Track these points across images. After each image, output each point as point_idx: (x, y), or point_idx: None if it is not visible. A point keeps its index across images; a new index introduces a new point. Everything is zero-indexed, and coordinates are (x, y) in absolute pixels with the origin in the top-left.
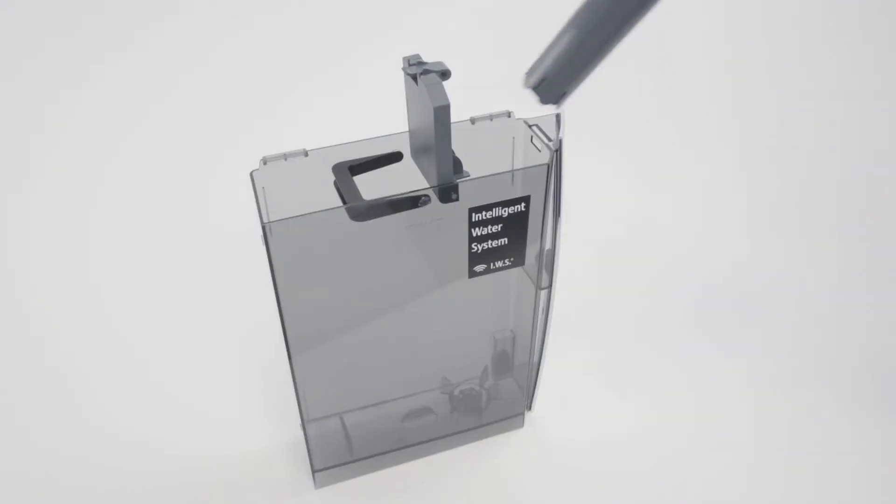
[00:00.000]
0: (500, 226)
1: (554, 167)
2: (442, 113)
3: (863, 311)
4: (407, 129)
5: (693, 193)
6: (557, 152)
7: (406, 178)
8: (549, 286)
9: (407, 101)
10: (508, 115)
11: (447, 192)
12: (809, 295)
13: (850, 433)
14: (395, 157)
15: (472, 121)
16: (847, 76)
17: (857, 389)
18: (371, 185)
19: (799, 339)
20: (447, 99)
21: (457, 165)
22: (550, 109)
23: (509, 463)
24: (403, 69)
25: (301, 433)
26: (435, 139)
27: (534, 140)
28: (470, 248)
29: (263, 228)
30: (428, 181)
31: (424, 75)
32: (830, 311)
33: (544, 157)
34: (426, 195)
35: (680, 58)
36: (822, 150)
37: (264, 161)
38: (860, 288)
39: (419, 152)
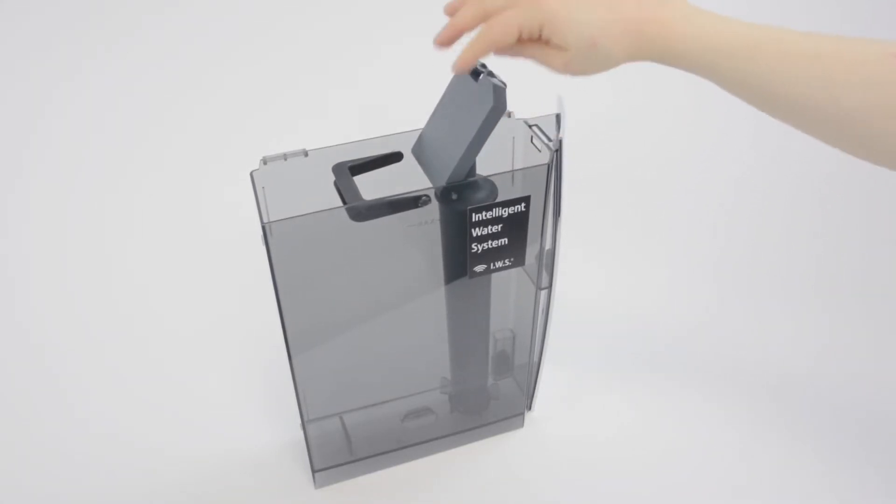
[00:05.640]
0: (500, 226)
1: (554, 167)
2: (494, 115)
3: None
4: (406, 129)
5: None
6: (557, 152)
7: (406, 178)
8: (549, 286)
9: (444, 95)
10: (509, 115)
11: (447, 192)
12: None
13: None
14: (395, 157)
15: None
16: None
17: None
18: (371, 185)
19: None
20: (506, 105)
21: None
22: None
23: (509, 463)
24: None
25: (301, 433)
26: (475, 136)
27: (534, 140)
28: (470, 248)
29: (263, 228)
30: (431, 181)
31: (490, 76)
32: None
33: (544, 157)
34: (426, 195)
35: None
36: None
37: (264, 161)
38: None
39: (432, 151)
